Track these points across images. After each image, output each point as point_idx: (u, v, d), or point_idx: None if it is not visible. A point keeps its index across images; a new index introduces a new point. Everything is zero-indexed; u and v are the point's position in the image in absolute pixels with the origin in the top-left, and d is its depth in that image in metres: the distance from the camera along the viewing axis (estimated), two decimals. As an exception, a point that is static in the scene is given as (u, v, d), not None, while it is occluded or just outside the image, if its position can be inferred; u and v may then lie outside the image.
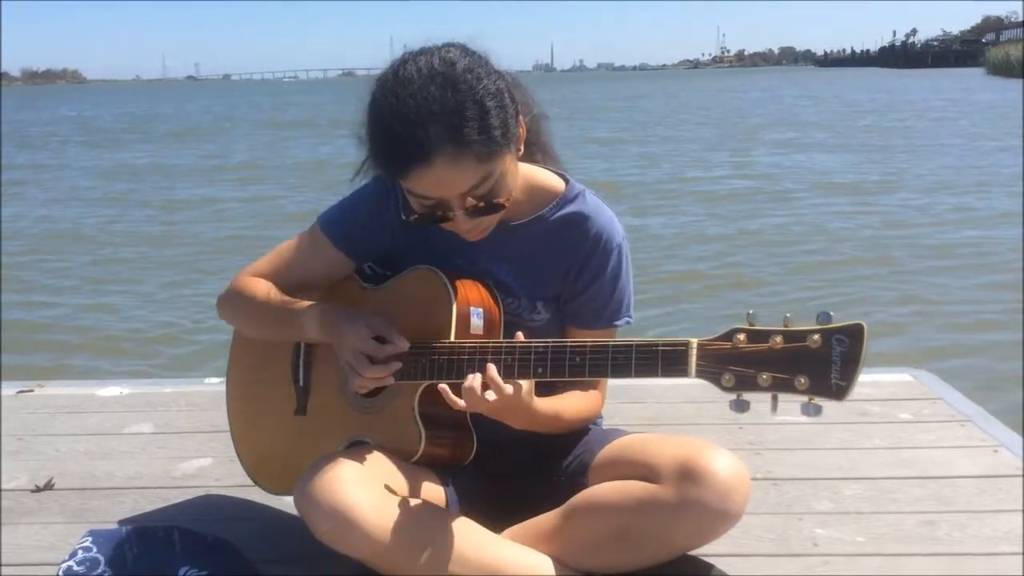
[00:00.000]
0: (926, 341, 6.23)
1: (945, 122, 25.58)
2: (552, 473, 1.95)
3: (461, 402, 1.67)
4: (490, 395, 1.65)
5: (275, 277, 1.97)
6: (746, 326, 1.52)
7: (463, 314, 1.79)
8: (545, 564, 1.80)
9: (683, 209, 12.06)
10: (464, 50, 1.71)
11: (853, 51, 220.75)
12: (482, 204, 1.71)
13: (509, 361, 1.68)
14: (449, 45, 1.71)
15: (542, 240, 1.89)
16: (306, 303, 1.88)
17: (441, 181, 1.65)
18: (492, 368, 1.66)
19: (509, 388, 1.66)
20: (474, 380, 1.66)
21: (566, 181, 1.92)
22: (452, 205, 1.70)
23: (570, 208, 1.90)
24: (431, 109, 1.61)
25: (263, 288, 1.94)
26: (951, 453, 2.59)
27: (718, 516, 1.70)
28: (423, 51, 1.70)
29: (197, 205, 13.34)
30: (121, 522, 2.23)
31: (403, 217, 1.80)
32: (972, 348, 6.06)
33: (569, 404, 1.89)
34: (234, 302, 2.00)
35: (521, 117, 1.75)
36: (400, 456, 1.82)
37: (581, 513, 1.82)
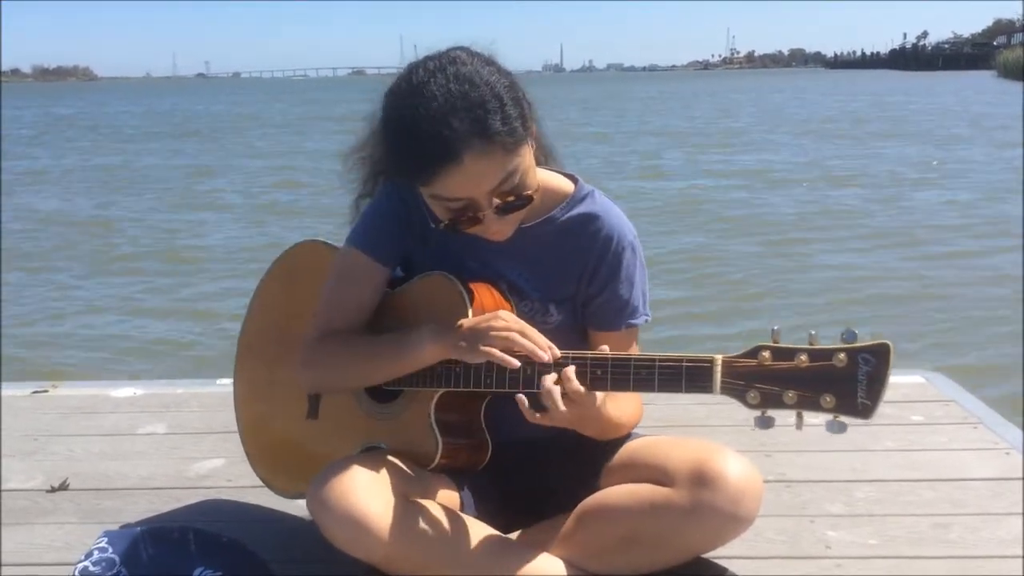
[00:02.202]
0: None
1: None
2: (565, 476, 1.95)
3: (536, 414, 1.65)
4: (566, 406, 1.63)
5: (339, 322, 1.90)
6: (771, 343, 1.53)
7: None
8: (558, 567, 1.80)
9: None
10: (469, 51, 1.72)
11: (863, 53, 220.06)
12: (512, 198, 1.71)
13: (528, 372, 1.67)
14: (453, 48, 1.73)
15: (553, 241, 1.89)
16: (398, 333, 1.81)
17: (471, 178, 1.64)
18: (574, 379, 1.63)
19: (592, 396, 1.65)
20: (551, 385, 1.63)
21: (575, 182, 1.93)
22: (481, 205, 1.69)
23: (579, 209, 1.90)
24: (453, 106, 1.61)
25: (342, 341, 1.87)
26: (963, 455, 2.59)
27: (730, 520, 1.70)
28: (429, 57, 1.71)
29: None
30: (136, 523, 2.24)
31: (432, 226, 1.80)
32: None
33: (626, 410, 1.88)
34: (322, 368, 1.90)
35: (534, 110, 1.76)
36: (417, 463, 1.82)
37: (594, 516, 1.82)
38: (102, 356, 6.46)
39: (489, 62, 1.71)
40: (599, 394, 1.68)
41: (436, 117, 1.61)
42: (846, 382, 1.47)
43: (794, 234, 10.25)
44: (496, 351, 1.65)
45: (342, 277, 1.92)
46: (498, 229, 1.75)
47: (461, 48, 1.73)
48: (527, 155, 1.71)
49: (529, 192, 1.73)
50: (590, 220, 1.89)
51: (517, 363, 1.64)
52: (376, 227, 1.91)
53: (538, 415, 1.65)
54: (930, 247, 9.48)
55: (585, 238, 1.89)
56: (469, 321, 1.73)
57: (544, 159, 1.94)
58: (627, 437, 1.97)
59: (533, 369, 1.66)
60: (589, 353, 1.68)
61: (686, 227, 10.94)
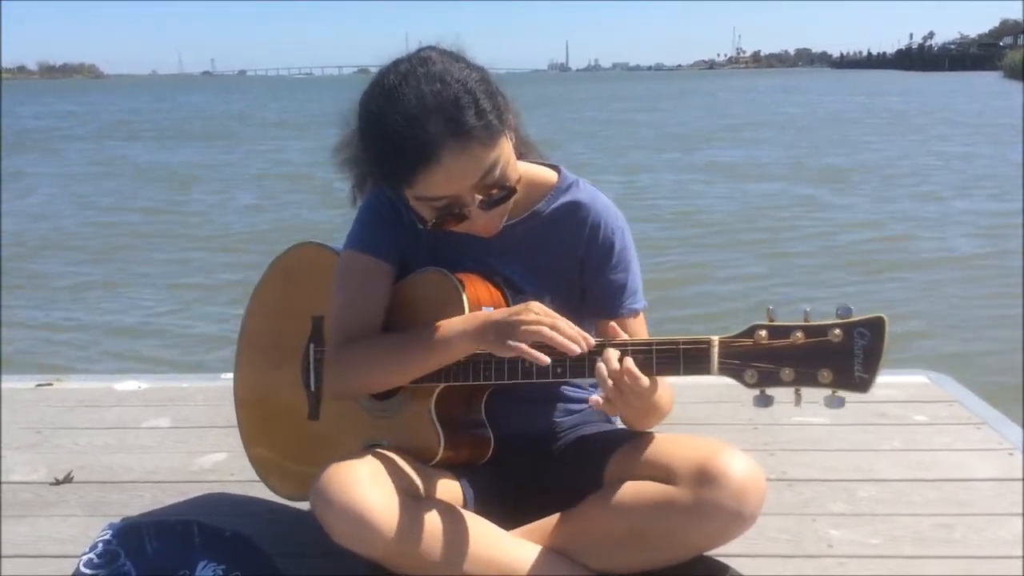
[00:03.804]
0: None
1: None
2: (567, 472, 1.95)
3: (599, 399, 1.62)
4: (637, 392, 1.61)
5: (359, 327, 1.87)
6: (766, 322, 1.54)
7: None
8: (559, 563, 1.80)
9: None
10: (438, 50, 1.73)
11: (870, 53, 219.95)
12: (495, 191, 1.71)
13: (527, 363, 1.67)
14: (423, 48, 1.73)
15: (541, 234, 1.90)
16: (422, 329, 1.78)
17: (451, 176, 1.65)
18: (629, 360, 1.61)
19: (646, 380, 1.62)
20: (613, 359, 1.60)
21: (559, 172, 1.93)
22: (465, 200, 1.70)
23: (565, 198, 1.90)
24: (427, 106, 1.62)
25: (365, 345, 1.85)
26: (967, 456, 2.59)
27: (734, 518, 1.70)
28: (399, 60, 1.71)
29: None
30: (140, 516, 2.25)
31: (419, 227, 1.80)
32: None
33: (666, 396, 1.83)
34: (353, 373, 1.87)
35: (509, 103, 1.76)
36: (419, 459, 1.82)
37: (596, 513, 1.82)
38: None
39: (459, 58, 1.71)
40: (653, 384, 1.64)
41: (410, 120, 1.61)
42: (843, 356, 1.48)
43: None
44: (525, 347, 1.62)
45: (348, 281, 1.90)
46: (485, 224, 1.75)
47: (430, 47, 1.73)
48: (505, 147, 1.71)
49: (511, 183, 1.73)
50: (577, 209, 1.90)
51: (547, 359, 1.61)
52: (372, 226, 1.92)
53: (601, 402, 1.63)
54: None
55: (573, 227, 1.89)
56: (499, 313, 1.71)
57: (526, 152, 1.94)
58: (631, 434, 1.97)
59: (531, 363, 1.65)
60: None
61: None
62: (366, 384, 1.88)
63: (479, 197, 1.70)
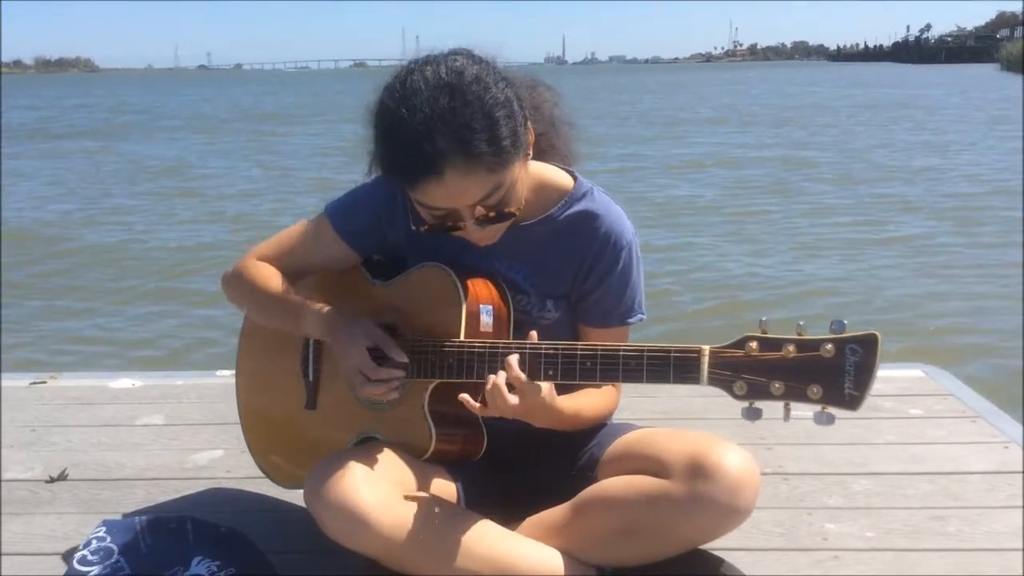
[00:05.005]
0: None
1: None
2: (562, 467, 1.95)
3: (476, 404, 1.67)
4: (513, 398, 1.65)
5: (279, 262, 1.96)
6: (758, 334, 1.53)
7: (473, 312, 1.79)
8: (555, 558, 1.80)
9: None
10: (471, 57, 1.70)
11: (866, 46, 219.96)
12: (492, 214, 1.71)
13: (519, 363, 1.67)
14: (456, 52, 1.70)
15: (551, 239, 1.89)
16: (307, 300, 1.88)
17: (451, 193, 1.64)
18: (515, 367, 1.65)
19: (536, 386, 1.66)
20: (498, 379, 1.65)
21: (575, 179, 1.92)
22: (462, 215, 1.70)
23: (579, 207, 1.89)
24: (441, 121, 1.60)
25: (267, 274, 1.94)
26: (962, 449, 2.59)
27: (728, 512, 1.70)
28: (429, 60, 1.69)
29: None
30: (134, 513, 2.25)
31: (412, 227, 1.81)
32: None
33: (588, 401, 1.89)
34: (237, 285, 1.99)
35: (530, 123, 1.75)
36: (411, 453, 1.82)
37: (591, 507, 1.82)
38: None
39: (490, 70, 1.68)
40: (545, 385, 1.69)
41: (420, 131, 1.60)
42: (833, 373, 1.47)
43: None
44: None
45: (303, 233, 1.98)
46: (480, 236, 1.75)
47: (463, 52, 1.71)
48: (515, 172, 1.70)
49: (511, 209, 1.72)
50: (590, 218, 1.88)
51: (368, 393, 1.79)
52: (351, 210, 1.94)
53: (478, 406, 1.67)
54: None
55: (584, 236, 1.88)
56: (343, 335, 1.80)
57: (547, 155, 1.93)
58: (625, 429, 1.98)
59: (526, 358, 1.67)
60: (579, 344, 1.69)
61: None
62: (243, 307, 2.05)
63: (479, 212, 1.70)
